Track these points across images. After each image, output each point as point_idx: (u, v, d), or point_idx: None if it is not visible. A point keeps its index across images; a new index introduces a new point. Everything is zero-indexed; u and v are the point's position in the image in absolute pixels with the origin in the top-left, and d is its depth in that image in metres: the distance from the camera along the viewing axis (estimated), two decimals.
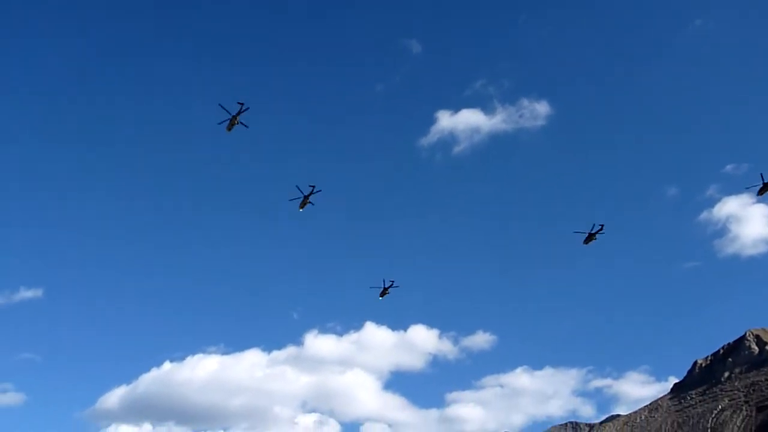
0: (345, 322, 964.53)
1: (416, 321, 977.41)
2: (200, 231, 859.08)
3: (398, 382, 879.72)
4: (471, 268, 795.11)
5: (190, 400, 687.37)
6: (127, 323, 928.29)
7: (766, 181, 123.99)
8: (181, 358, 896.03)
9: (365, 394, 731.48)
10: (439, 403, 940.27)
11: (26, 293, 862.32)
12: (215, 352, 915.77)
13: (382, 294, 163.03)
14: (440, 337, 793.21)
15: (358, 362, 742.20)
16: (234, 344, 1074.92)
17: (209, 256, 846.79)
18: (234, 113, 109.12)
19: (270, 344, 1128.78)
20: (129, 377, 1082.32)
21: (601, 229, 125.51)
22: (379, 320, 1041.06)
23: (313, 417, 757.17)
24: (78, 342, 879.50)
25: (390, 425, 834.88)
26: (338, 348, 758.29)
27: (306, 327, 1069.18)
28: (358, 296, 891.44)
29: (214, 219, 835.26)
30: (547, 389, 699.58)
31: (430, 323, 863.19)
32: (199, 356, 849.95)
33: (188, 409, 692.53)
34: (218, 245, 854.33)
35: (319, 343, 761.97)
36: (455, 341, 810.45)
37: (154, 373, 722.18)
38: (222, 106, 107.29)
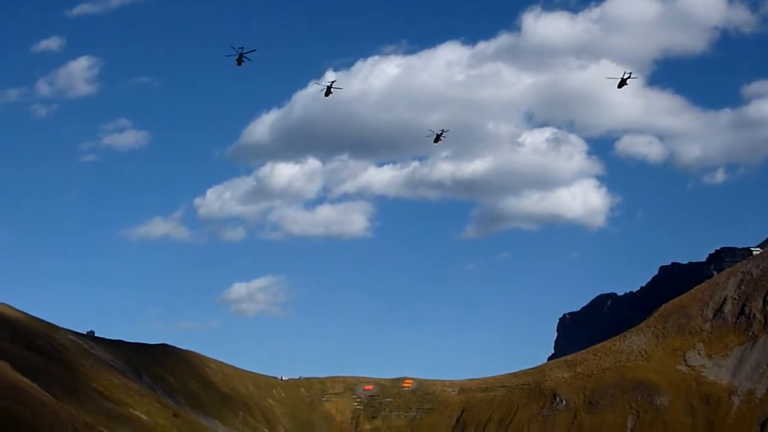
0: None
1: None
2: None
3: (668, 73, 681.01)
4: None
5: (366, 122, 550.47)
6: (270, 21, 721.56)
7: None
8: (348, 65, 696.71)
9: (620, 95, 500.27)
10: (733, 99, 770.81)
11: None
12: (395, 53, 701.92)
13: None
14: (731, 0, 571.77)
15: (605, 50, 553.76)
16: (420, 38, 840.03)
17: None
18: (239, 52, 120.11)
19: (472, 33, 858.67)
20: (280, 97, 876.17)
21: (629, 75, 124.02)
22: None
23: (544, 133, 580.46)
24: (203, 52, 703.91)
25: (660, 137, 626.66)
26: (574, 31, 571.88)
27: (523, 3, 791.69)
28: None
29: None
30: None
31: None
32: (372, 60, 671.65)
33: (365, 133, 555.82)
34: None
35: (544, 26, 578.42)
36: (754, 6, 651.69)
37: (314, 88, 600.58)
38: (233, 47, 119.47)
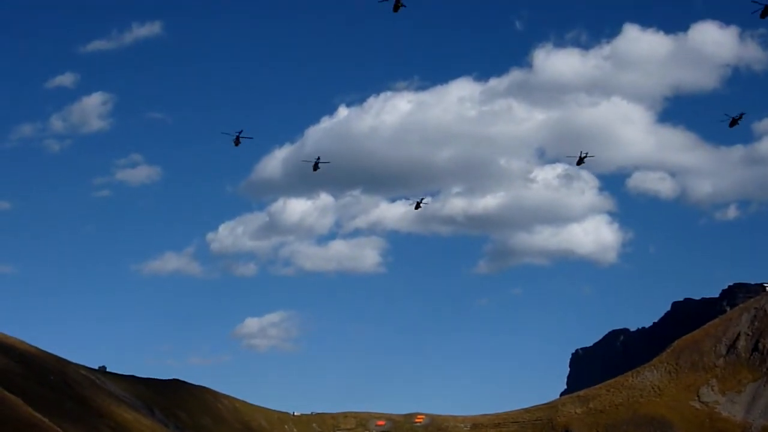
0: (592, 27, 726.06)
1: (702, 16, 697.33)
2: None
3: (680, 110, 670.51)
4: None
5: (378, 158, 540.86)
6: (284, 57, 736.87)
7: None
8: (361, 101, 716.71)
9: (631, 131, 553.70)
10: (744, 136, 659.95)
11: (141, 30, 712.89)
12: (407, 89, 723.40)
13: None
14: (742, 38, 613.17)
15: (616, 86, 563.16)
16: (432, 75, 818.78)
17: None
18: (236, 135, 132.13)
19: (484, 70, 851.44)
20: (292, 133, 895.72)
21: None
22: (645, 20, 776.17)
23: (556, 169, 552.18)
24: (216, 91, 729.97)
25: (672, 174, 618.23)
26: (585, 68, 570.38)
27: (535, 40, 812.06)
28: None
29: None
30: None
31: (725, 17, 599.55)
32: (385, 96, 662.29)
33: (377, 169, 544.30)
34: None
35: (555, 63, 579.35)
36: (765, 44, 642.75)
37: (326, 123, 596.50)
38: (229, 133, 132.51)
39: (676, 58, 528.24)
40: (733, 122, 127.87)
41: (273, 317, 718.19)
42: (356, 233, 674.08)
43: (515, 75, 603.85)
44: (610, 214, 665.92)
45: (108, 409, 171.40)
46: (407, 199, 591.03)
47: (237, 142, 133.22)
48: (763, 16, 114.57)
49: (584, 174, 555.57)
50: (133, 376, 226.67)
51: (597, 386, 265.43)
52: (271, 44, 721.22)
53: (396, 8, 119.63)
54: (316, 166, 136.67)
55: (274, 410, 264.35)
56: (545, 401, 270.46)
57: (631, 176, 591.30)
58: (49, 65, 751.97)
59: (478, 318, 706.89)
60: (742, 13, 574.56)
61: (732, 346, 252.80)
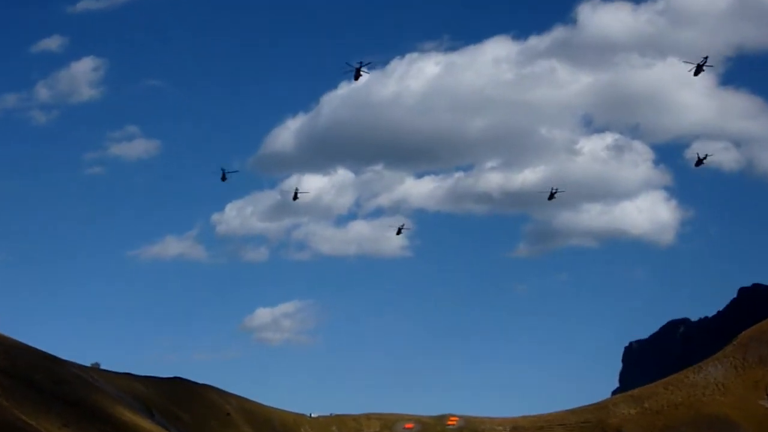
0: None
1: None
2: None
3: (743, 72, 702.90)
4: None
5: (402, 128, 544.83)
6: (296, 16, 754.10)
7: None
8: (383, 64, 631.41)
9: (689, 96, 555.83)
10: None
11: None
12: (435, 49, 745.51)
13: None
14: None
15: (672, 45, 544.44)
16: (464, 33, 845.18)
17: None
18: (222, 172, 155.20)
19: (523, 27, 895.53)
20: (306, 101, 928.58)
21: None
22: None
23: (605, 139, 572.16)
24: (221, 54, 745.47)
25: (735, 143, 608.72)
26: (637, 24, 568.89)
27: None
28: None
29: None
30: None
31: None
32: (410, 57, 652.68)
33: (401, 141, 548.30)
34: None
35: (603, 19, 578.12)
36: None
37: (344, 90, 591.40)
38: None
39: (739, 14, 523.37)
40: (699, 162, 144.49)
41: (287, 307, 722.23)
42: (378, 213, 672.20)
43: (558, 33, 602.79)
44: (667, 189, 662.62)
45: (102, 411, 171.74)
46: (436, 173, 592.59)
47: (224, 178, 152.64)
48: (696, 74, 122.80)
49: (637, 144, 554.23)
50: (129, 374, 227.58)
51: (653, 384, 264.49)
52: (280, 1, 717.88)
53: (356, 78, 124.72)
54: (295, 196, 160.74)
55: (289, 411, 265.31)
56: (594, 401, 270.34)
57: (690, 146, 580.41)
58: (34, 27, 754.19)
59: (517, 307, 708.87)
60: None
61: None
